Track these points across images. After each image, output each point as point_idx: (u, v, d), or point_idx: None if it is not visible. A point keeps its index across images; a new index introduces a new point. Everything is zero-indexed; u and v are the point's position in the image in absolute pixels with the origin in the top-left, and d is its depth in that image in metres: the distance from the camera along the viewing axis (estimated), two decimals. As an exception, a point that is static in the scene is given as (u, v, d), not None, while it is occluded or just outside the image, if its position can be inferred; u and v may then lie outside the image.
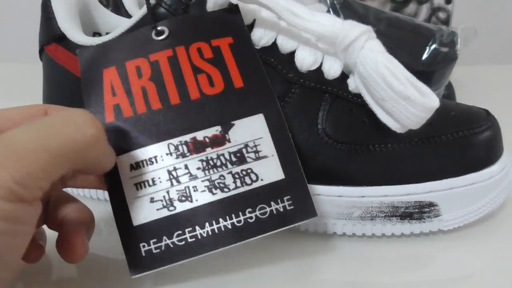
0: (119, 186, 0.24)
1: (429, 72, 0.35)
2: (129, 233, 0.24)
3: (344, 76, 0.29)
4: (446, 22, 0.50)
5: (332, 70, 0.29)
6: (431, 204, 0.27)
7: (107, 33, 0.35)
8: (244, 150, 0.25)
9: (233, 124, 0.25)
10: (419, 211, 0.28)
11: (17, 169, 0.18)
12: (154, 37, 0.27)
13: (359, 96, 0.28)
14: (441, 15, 0.50)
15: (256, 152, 0.25)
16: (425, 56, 0.35)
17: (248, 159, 0.25)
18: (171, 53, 0.26)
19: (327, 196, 0.27)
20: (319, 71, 0.29)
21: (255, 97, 0.26)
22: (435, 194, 0.28)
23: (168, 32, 0.27)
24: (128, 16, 0.40)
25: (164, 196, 0.24)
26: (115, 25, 0.35)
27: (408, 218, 0.28)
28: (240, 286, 0.25)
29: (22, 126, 0.20)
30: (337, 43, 0.28)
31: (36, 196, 0.19)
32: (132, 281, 0.25)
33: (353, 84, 0.29)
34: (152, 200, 0.24)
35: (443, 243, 0.28)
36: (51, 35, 0.31)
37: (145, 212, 0.24)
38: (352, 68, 0.28)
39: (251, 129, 0.25)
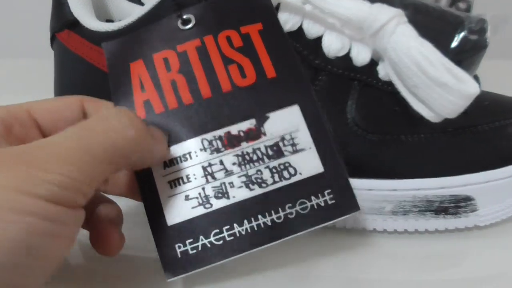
0: (152, 185, 0.23)
1: (457, 61, 0.33)
2: (164, 233, 0.22)
3: (373, 62, 0.27)
4: (467, 12, 0.49)
5: (360, 57, 0.27)
6: (467, 198, 0.26)
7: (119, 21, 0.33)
8: (280, 143, 0.23)
9: (268, 117, 0.24)
10: (455, 206, 0.26)
11: (60, 172, 0.17)
12: (180, 26, 0.26)
13: (389, 83, 0.27)
14: (461, 5, 0.49)
15: (293, 145, 0.23)
16: (453, 44, 0.34)
17: (286, 153, 0.23)
18: (199, 43, 0.25)
19: (357, 189, 0.25)
20: (347, 57, 0.27)
21: (289, 87, 0.24)
22: (471, 188, 0.26)
23: (195, 20, 0.25)
24: (141, 3, 0.39)
25: (199, 193, 0.23)
26: (128, 12, 0.34)
27: (443, 213, 0.26)
28: (266, 282, 0.24)
29: (61, 131, 0.19)
30: (365, 27, 0.27)
31: (79, 202, 0.18)
32: (146, 281, 0.24)
33: (383, 71, 0.27)
34: (187, 198, 0.23)
35: (479, 239, 0.27)
36: (63, 21, 0.29)
37: (180, 210, 0.23)
38: (382, 54, 0.27)
39: (287, 121, 0.24)
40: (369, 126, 0.26)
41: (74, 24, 0.29)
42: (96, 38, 0.28)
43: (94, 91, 0.27)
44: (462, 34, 0.34)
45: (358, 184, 0.26)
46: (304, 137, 0.23)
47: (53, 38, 0.31)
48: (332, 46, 0.27)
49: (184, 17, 0.26)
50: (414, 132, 0.26)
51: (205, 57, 0.25)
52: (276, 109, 0.24)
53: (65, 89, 0.30)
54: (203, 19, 0.26)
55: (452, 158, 0.26)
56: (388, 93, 0.27)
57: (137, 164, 0.21)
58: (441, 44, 0.35)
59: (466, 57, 0.35)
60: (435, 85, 0.24)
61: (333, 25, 0.28)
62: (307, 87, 0.24)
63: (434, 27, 0.34)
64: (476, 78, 0.41)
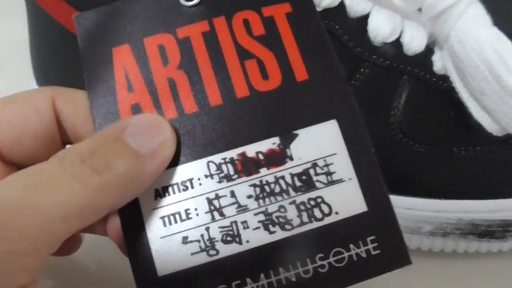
0: (138, 220, 0.18)
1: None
2: (153, 286, 0.18)
3: (428, 51, 0.22)
4: None
5: (414, 43, 0.22)
6: (520, 223, 0.22)
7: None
8: (311, 171, 0.18)
9: (296, 135, 0.18)
10: (503, 230, 0.22)
11: None
12: (182, 1, 0.19)
13: (444, 78, 0.22)
14: None
15: (328, 174, 0.18)
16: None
17: (318, 184, 0.18)
18: (206, 26, 0.19)
19: (395, 208, 0.22)
20: (397, 43, 0.22)
21: (325, 96, 0.19)
22: (527, 211, 0.22)
23: None
24: None
25: (202, 235, 0.18)
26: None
27: (488, 237, 0.23)
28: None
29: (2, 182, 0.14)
30: (426, 6, 0.21)
31: (21, 284, 0.13)
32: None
33: (439, 62, 0.22)
34: (185, 241, 0.18)
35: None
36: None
37: (175, 257, 0.18)
38: (441, 42, 0.21)
39: (321, 142, 0.18)
40: (416, 134, 0.21)
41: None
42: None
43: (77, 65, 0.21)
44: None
45: (395, 202, 0.22)
46: (343, 164, 0.18)
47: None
48: (381, 29, 0.21)
49: (190, -12, 0.19)
50: (469, 144, 0.22)
51: (215, 47, 0.19)
52: (307, 124, 0.18)
53: (42, 57, 0.25)
54: None
55: (510, 177, 0.22)
56: (442, 91, 0.22)
57: (116, 206, 0.16)
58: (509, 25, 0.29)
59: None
60: (509, 95, 0.19)
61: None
62: (348, 95, 0.19)
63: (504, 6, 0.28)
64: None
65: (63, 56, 0.24)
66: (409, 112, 0.21)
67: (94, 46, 0.20)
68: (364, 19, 0.21)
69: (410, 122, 0.21)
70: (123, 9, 0.20)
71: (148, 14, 0.20)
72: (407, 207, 0.22)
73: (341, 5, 0.21)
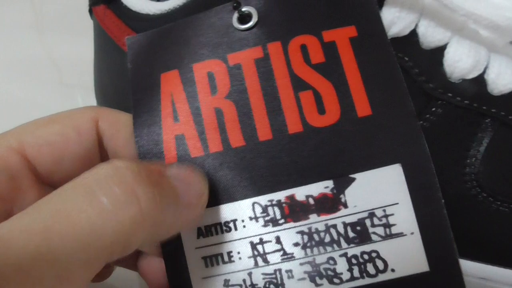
0: (181, 258, 0.17)
1: None
2: None
3: (519, 90, 0.18)
4: None
5: (501, 81, 0.18)
6: None
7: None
8: (368, 222, 0.16)
9: (353, 179, 0.16)
10: None
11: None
12: (235, 24, 0.18)
13: (540, 125, 0.18)
14: None
15: (387, 226, 0.16)
16: None
17: (374, 236, 0.16)
18: (260, 52, 0.18)
19: (465, 275, 0.18)
20: (480, 80, 0.18)
21: (389, 135, 0.16)
22: None
23: (258, 16, 0.18)
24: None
25: (244, 280, 0.17)
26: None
27: None
28: None
29: (18, 216, 0.13)
30: (519, 38, 0.17)
31: None
32: None
33: (533, 105, 0.18)
34: (227, 284, 0.17)
35: None
36: (100, -9, 0.23)
37: None
38: (537, 81, 0.18)
39: (381, 189, 0.16)
40: (498, 190, 0.18)
41: (112, -3, 0.22)
42: (135, 20, 0.21)
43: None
44: None
45: (466, 268, 0.19)
46: (405, 215, 0.16)
47: (90, 11, 0.25)
48: (461, 63, 0.18)
49: (243, 9, 0.18)
50: None
51: (267, 75, 0.17)
52: (366, 168, 0.16)
53: (103, 79, 0.25)
54: (270, 16, 0.18)
55: None
56: (537, 140, 0.18)
57: (146, 244, 0.15)
58: None
59: None
60: None
61: (464, 27, 0.19)
62: (418, 136, 0.16)
63: None
64: None
65: (120, 79, 0.24)
66: (490, 162, 0.18)
67: (143, 70, 0.19)
68: (440, 50, 0.18)
69: (490, 174, 0.18)
70: (175, 32, 0.19)
71: (199, 38, 0.19)
72: (481, 276, 0.18)
73: (413, 34, 0.18)
